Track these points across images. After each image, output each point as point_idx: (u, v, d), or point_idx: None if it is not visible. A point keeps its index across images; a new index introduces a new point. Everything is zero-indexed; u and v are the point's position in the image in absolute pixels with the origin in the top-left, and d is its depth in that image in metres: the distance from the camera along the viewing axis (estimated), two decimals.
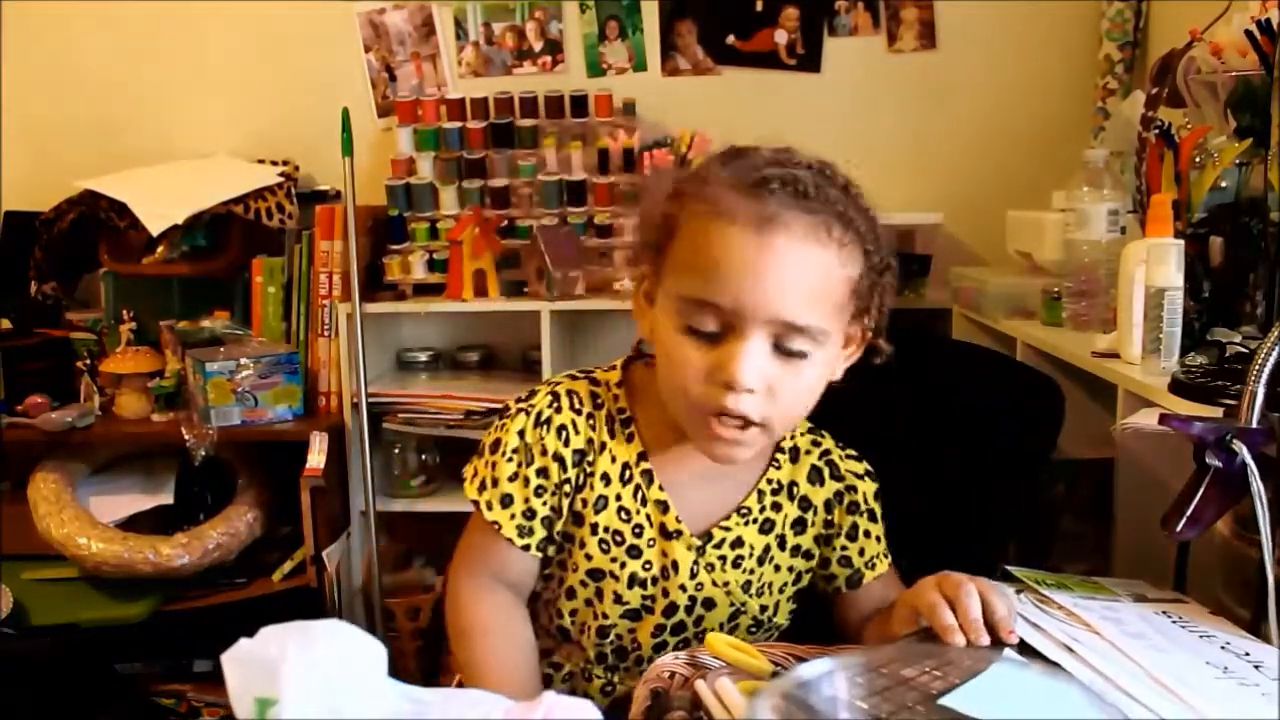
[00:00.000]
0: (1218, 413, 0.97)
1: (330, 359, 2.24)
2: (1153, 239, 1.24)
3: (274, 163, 2.36)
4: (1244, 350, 1.17)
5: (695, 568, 1.01)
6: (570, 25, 2.38)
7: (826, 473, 1.07)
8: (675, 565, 1.01)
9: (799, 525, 1.06)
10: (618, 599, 1.02)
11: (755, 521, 1.04)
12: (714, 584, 1.02)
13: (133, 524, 2.14)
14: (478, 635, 1.00)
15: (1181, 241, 1.23)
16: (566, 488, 1.01)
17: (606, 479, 1.01)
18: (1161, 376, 1.17)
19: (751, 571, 1.03)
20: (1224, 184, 1.34)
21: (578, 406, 1.02)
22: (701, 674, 0.80)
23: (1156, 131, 1.47)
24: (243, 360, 2.13)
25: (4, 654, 1.94)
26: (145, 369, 2.20)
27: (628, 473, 1.01)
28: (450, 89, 2.40)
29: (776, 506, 1.05)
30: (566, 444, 1.00)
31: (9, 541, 2.11)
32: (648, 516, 1.01)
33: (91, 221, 2.22)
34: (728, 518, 1.03)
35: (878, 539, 1.08)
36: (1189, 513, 0.84)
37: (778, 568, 1.05)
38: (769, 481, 1.05)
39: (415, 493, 2.24)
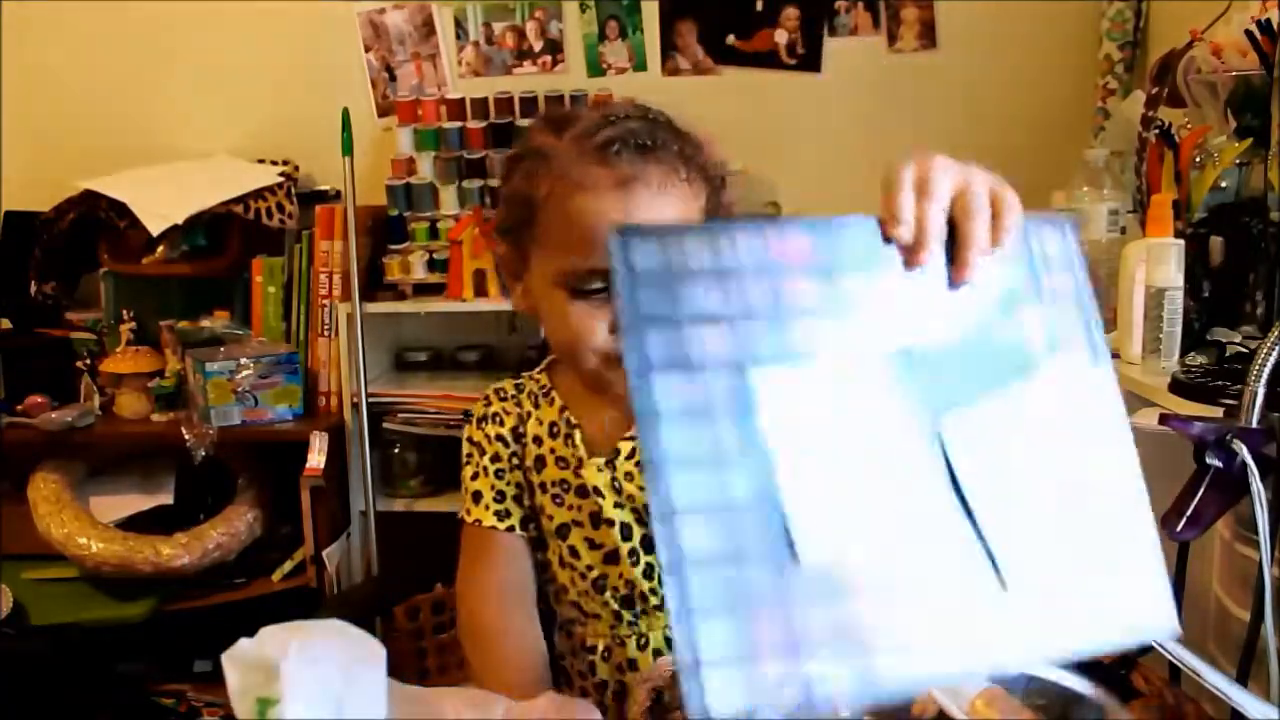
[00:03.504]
0: (1218, 413, 0.97)
1: (330, 359, 2.24)
2: (1153, 239, 1.24)
3: (274, 163, 2.36)
4: (1244, 350, 1.18)
5: (616, 483, 1.04)
6: (570, 25, 2.38)
7: None
8: (598, 489, 1.04)
9: None
10: (591, 544, 1.05)
11: None
12: (641, 489, 1.03)
13: (133, 524, 2.14)
14: (488, 638, 1.03)
15: (1181, 241, 1.23)
16: (515, 460, 1.08)
17: (539, 440, 1.08)
18: (1161, 376, 1.17)
19: None
20: (1224, 184, 1.34)
21: (503, 396, 1.11)
22: None
23: (1156, 131, 1.47)
24: (243, 360, 2.13)
25: (4, 654, 1.94)
26: (145, 369, 2.20)
27: (555, 428, 1.07)
28: (450, 89, 2.40)
29: None
30: (503, 425, 1.09)
31: (9, 541, 2.11)
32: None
33: (91, 221, 2.22)
34: (629, 428, 1.04)
35: None
36: (1189, 513, 0.84)
37: None
38: None
39: (415, 493, 2.24)
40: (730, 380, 0.53)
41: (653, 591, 1.04)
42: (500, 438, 1.08)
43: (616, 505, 1.04)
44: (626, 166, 0.93)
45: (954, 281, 0.60)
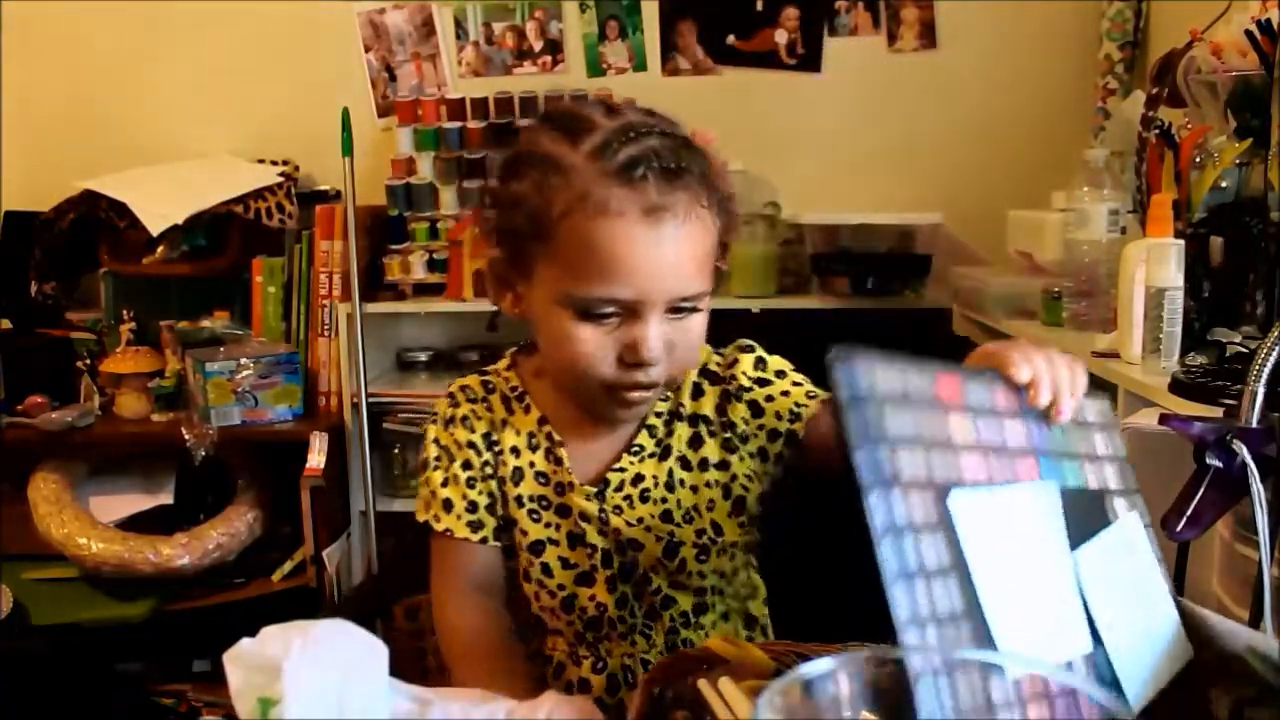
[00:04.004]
0: (1218, 413, 0.97)
1: (330, 359, 2.24)
2: (1153, 239, 1.24)
3: (274, 163, 2.36)
4: (1244, 350, 1.18)
5: (603, 514, 1.02)
6: (570, 25, 2.38)
7: (705, 383, 1.06)
8: (585, 515, 1.02)
9: (695, 441, 1.05)
10: (565, 564, 1.03)
11: (652, 455, 1.04)
12: (628, 524, 1.02)
13: (133, 524, 2.14)
14: (468, 651, 1.01)
15: (1181, 241, 1.23)
16: (488, 469, 1.04)
17: (516, 451, 1.04)
18: (1161, 376, 1.17)
19: (664, 500, 1.03)
20: (1224, 184, 1.34)
21: (473, 397, 1.06)
22: (704, 672, 0.80)
23: (1156, 131, 1.47)
24: (243, 360, 2.13)
25: (4, 654, 1.94)
26: (145, 369, 2.20)
27: (534, 439, 1.04)
28: (450, 89, 2.40)
29: (670, 432, 1.04)
30: (473, 430, 1.04)
31: (9, 541, 2.11)
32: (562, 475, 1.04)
33: (91, 221, 2.22)
34: (618, 459, 1.03)
35: (784, 393, 1.04)
36: (1189, 513, 0.84)
37: (694, 488, 1.04)
38: (657, 414, 1.04)
39: (415, 493, 2.24)
40: (934, 500, 0.59)
41: (621, 620, 1.02)
42: (471, 444, 1.04)
43: (600, 533, 1.02)
44: (655, 194, 0.89)
45: (1052, 422, 0.72)
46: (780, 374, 1.05)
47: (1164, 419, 0.93)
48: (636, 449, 1.03)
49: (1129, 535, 0.73)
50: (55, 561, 2.10)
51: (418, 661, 1.32)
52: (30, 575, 2.12)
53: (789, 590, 1.17)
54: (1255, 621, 0.84)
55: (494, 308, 1.06)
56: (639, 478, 1.03)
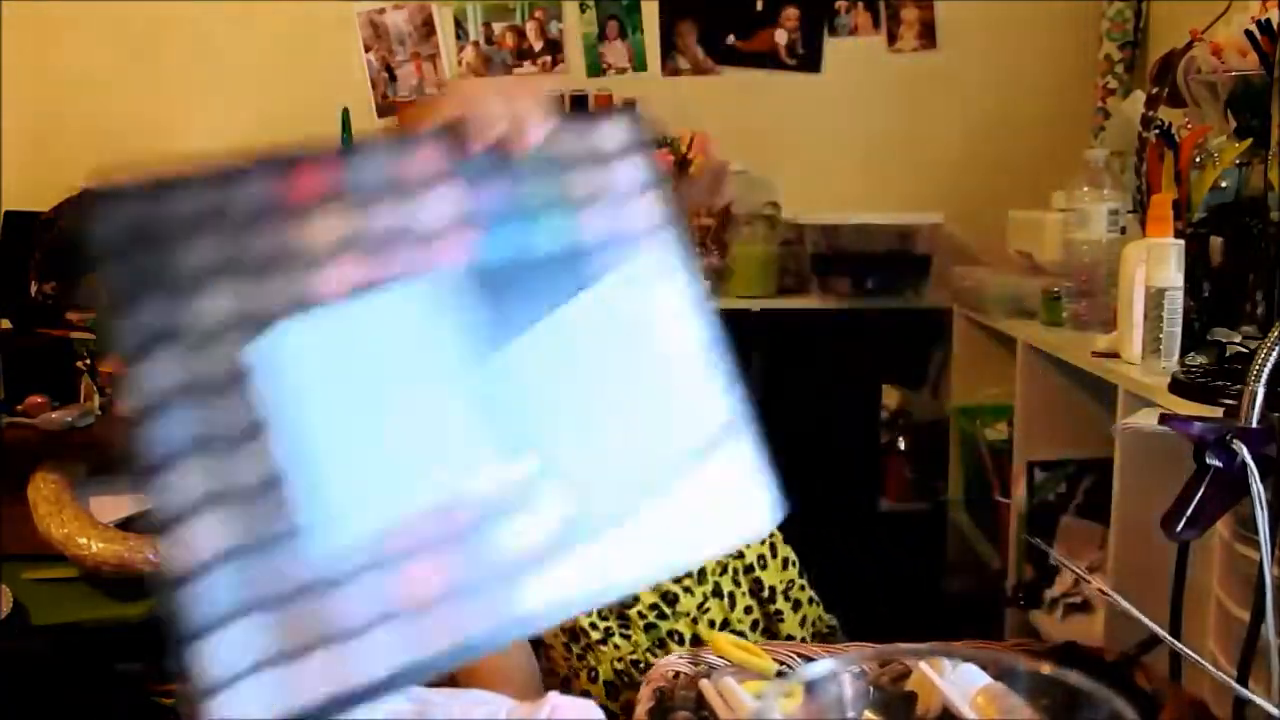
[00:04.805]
0: (1218, 413, 0.97)
1: None
2: (1153, 239, 1.24)
3: None
4: (1244, 350, 1.18)
5: None
6: (570, 25, 2.38)
7: None
8: None
9: None
10: None
11: None
12: None
13: (133, 524, 2.14)
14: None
15: (1181, 241, 1.23)
16: None
17: None
18: (1161, 376, 1.17)
19: None
20: (1224, 184, 1.34)
21: None
22: (706, 673, 0.80)
23: (1156, 131, 1.47)
24: None
25: (4, 654, 1.94)
26: None
27: None
28: None
29: None
30: None
31: (9, 541, 2.11)
32: None
33: None
34: None
35: None
36: (1189, 513, 0.83)
37: None
38: None
39: None
40: (235, 348, 0.47)
41: (593, 626, 1.02)
42: None
43: None
44: None
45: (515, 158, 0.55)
46: None
47: (1164, 419, 0.93)
48: None
49: (631, 287, 0.57)
50: (55, 561, 2.09)
51: None
52: (30, 575, 2.11)
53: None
54: (1255, 621, 0.84)
55: None
56: None
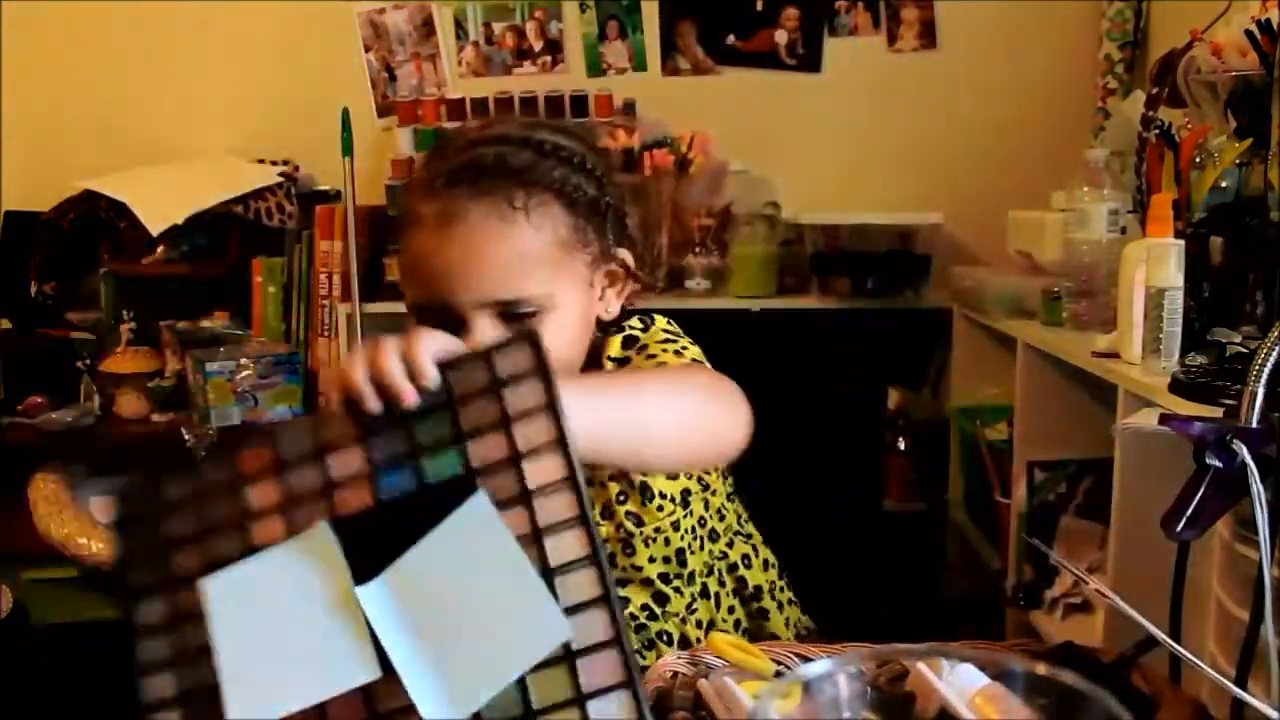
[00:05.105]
0: (1218, 413, 0.97)
1: (330, 359, 2.24)
2: (1153, 239, 1.24)
3: (274, 163, 2.36)
4: (1244, 350, 1.18)
5: None
6: (570, 25, 2.38)
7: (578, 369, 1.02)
8: None
9: None
10: None
11: None
12: None
13: None
14: None
15: (1181, 241, 1.23)
16: None
17: None
18: (1161, 376, 1.17)
19: (604, 484, 1.01)
20: (1224, 184, 1.34)
21: None
22: (704, 674, 0.80)
23: (1156, 131, 1.47)
24: (243, 360, 2.13)
25: (4, 654, 1.94)
26: (145, 369, 2.20)
27: None
28: (450, 89, 2.40)
29: None
30: None
31: (9, 541, 2.11)
32: None
33: (91, 221, 2.22)
34: None
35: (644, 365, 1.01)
36: (1189, 513, 0.83)
37: (602, 484, 1.02)
38: None
39: None
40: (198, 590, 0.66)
41: None
42: None
43: None
44: (446, 199, 0.91)
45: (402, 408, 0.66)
46: (644, 350, 1.01)
47: (1164, 419, 0.92)
48: None
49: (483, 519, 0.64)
50: (55, 561, 2.10)
51: None
52: (30, 575, 2.11)
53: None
54: (1255, 621, 0.84)
55: None
56: None
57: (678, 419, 0.82)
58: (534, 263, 0.93)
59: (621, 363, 1.02)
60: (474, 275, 0.91)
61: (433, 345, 0.66)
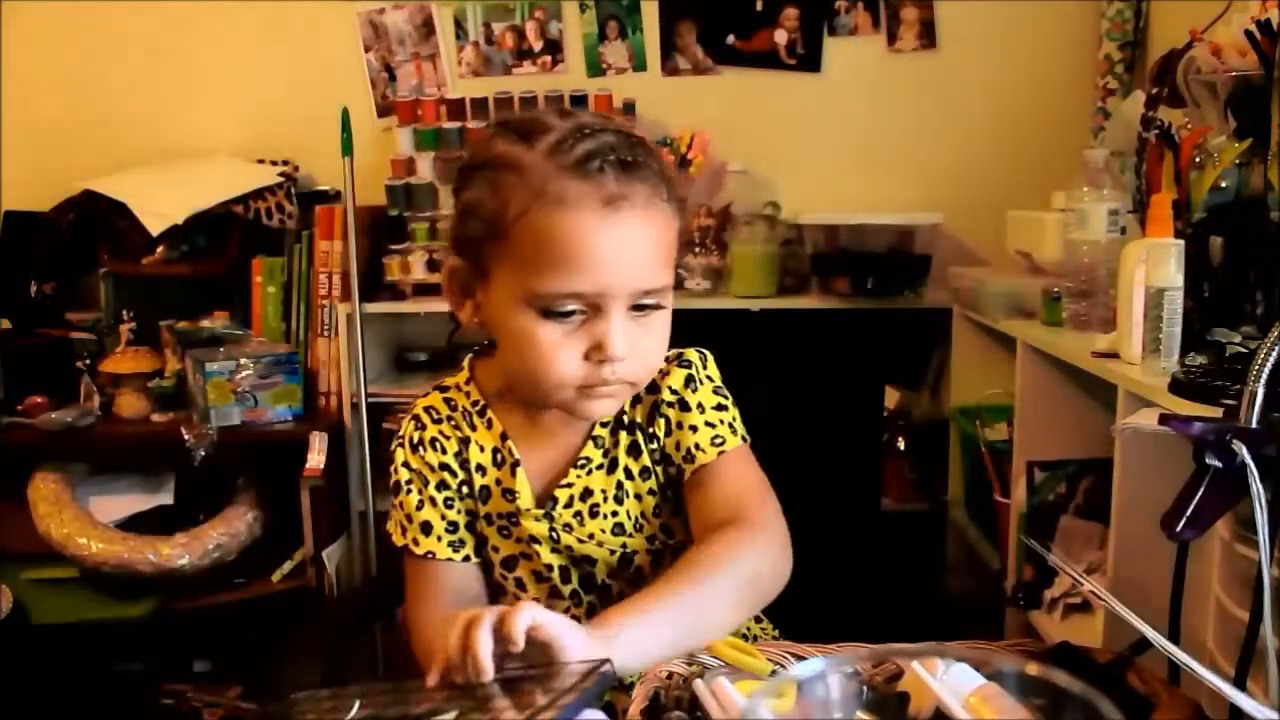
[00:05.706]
0: (1218, 413, 0.97)
1: (330, 359, 2.24)
2: (1153, 239, 1.24)
3: (274, 163, 2.36)
4: (1244, 350, 1.17)
5: (554, 533, 1.02)
6: (570, 25, 2.38)
7: (643, 390, 1.02)
8: (535, 538, 1.03)
9: (633, 449, 1.03)
10: (539, 577, 1.04)
11: (600, 467, 1.03)
12: (580, 540, 1.02)
13: (133, 524, 2.14)
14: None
15: (1181, 241, 1.23)
16: (465, 489, 1.04)
17: (482, 469, 1.04)
18: (1161, 376, 1.17)
19: (614, 513, 1.03)
20: (1224, 184, 1.34)
21: (437, 417, 1.05)
22: (700, 673, 0.80)
23: (1156, 131, 1.47)
24: (243, 360, 2.13)
25: (4, 654, 1.94)
26: (145, 369, 2.20)
27: (498, 455, 1.03)
28: (450, 89, 2.40)
29: (615, 443, 1.03)
30: (445, 452, 1.03)
31: (9, 541, 2.11)
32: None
33: (91, 221, 2.22)
34: (565, 474, 1.02)
35: (693, 428, 1.01)
36: (1189, 513, 0.83)
37: (638, 496, 1.03)
38: (604, 424, 1.03)
39: None
40: None
41: None
42: (445, 466, 1.03)
43: (554, 551, 1.03)
44: (613, 185, 0.89)
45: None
46: (700, 407, 1.02)
47: (1164, 419, 0.92)
48: (583, 462, 1.03)
49: None
50: (55, 561, 2.10)
51: (418, 662, 1.32)
52: (30, 575, 2.11)
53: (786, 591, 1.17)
54: (1255, 621, 0.84)
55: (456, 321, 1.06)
56: (587, 492, 1.02)
57: (737, 617, 0.91)
58: (670, 253, 0.95)
59: (683, 406, 1.02)
60: (638, 263, 0.91)
61: (528, 617, 0.75)
